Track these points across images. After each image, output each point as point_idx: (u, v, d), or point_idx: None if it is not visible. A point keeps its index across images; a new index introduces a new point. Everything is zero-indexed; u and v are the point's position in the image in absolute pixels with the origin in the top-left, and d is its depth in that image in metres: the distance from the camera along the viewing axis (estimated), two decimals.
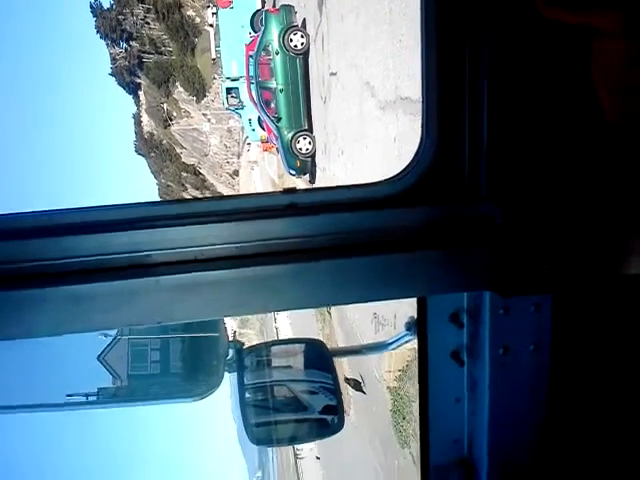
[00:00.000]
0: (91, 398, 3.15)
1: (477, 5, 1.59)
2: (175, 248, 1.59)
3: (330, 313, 18.19)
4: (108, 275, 1.54)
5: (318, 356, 3.15)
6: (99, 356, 3.04)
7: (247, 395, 3.00)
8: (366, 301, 1.70)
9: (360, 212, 1.65)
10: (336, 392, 3.06)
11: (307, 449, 30.29)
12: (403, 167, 1.73)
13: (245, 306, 1.65)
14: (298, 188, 1.73)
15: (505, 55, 1.58)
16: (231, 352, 3.04)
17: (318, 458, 29.53)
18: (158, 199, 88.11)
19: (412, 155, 1.74)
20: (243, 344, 3.13)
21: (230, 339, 3.13)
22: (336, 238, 1.64)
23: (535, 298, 1.70)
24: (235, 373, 3.00)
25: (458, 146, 1.66)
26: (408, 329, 2.59)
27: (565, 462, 1.90)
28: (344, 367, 11.42)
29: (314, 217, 1.64)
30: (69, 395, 3.21)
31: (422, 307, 1.79)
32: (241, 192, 67.49)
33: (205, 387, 3.02)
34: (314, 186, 18.17)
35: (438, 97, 1.65)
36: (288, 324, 35.47)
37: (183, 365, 3.40)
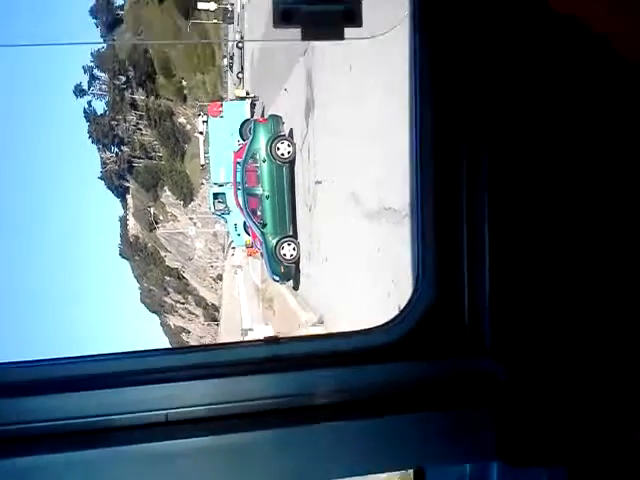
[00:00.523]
0: None
1: (473, 152, 1.50)
2: (139, 411, 1.39)
3: None
4: (60, 444, 1.31)
5: None
6: None
7: None
8: (359, 474, 1.48)
9: (349, 367, 1.48)
10: None
11: None
12: (398, 312, 1.57)
13: None
14: (281, 336, 1.55)
15: (505, 200, 1.48)
16: None
17: None
18: (139, 303, 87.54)
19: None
20: None
21: None
22: (322, 397, 1.46)
23: (548, 469, 1.49)
24: None
25: (457, 290, 1.51)
26: None
27: None
28: None
29: (298, 373, 1.47)
30: None
31: (419, 477, 1.57)
32: (224, 296, 67.26)
33: None
34: (298, 293, 18.09)
35: (435, 236, 1.53)
36: None
37: None
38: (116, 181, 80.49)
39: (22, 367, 1.42)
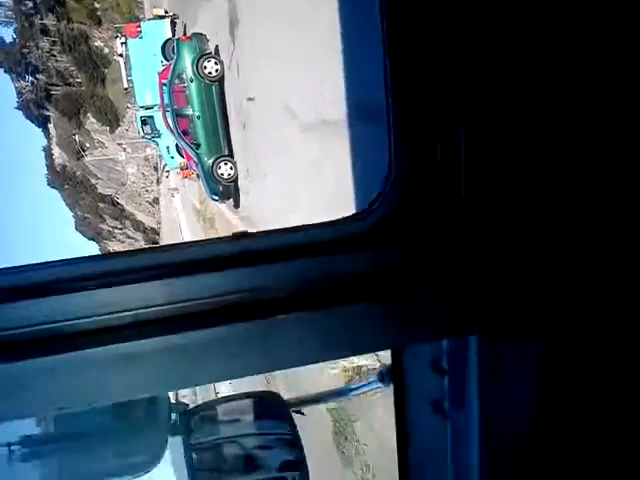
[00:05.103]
0: (15, 447, 2.97)
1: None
2: (104, 314, 1.35)
3: None
4: (25, 351, 1.28)
5: (272, 408, 2.99)
6: None
7: (194, 456, 2.78)
8: (334, 358, 1.53)
9: (321, 257, 1.45)
10: (296, 444, 2.88)
11: None
12: (370, 201, 1.52)
13: (194, 377, 1.43)
14: (248, 232, 1.55)
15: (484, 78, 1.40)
16: (174, 415, 2.83)
17: None
18: (74, 231, 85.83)
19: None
20: (187, 405, 2.96)
21: (173, 401, 2.88)
22: (294, 289, 1.44)
23: (525, 342, 1.53)
24: (179, 437, 2.79)
25: (432, 174, 1.47)
26: (381, 379, 2.39)
27: None
28: (279, 387, 11.37)
29: (268, 266, 1.43)
30: None
31: (397, 355, 1.61)
32: (163, 219, 66.41)
33: (147, 457, 2.83)
34: (239, 210, 18.10)
35: (406, 118, 1.45)
36: None
37: (121, 425, 3.09)
38: (35, 110, 76.93)
39: None
